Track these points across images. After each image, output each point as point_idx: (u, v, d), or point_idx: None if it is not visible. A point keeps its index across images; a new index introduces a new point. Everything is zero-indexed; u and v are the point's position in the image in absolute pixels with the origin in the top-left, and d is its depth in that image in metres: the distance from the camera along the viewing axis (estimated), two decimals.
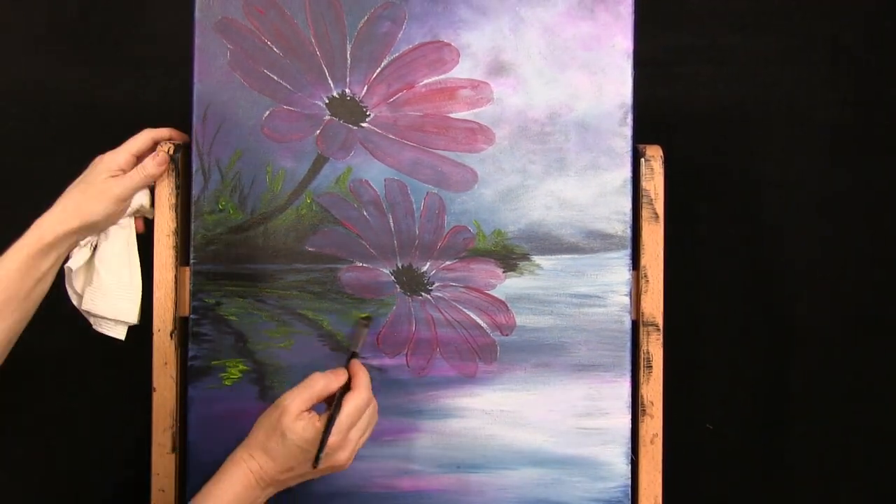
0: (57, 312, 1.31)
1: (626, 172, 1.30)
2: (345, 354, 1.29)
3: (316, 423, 1.14)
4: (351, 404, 1.16)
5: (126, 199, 1.28)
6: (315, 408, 1.17)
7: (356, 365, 1.20)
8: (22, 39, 1.53)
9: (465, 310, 1.32)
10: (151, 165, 1.27)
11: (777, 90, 1.56)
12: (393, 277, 1.31)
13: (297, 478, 1.17)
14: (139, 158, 1.29)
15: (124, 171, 1.27)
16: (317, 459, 1.13)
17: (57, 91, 1.53)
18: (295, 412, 1.14)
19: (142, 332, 1.33)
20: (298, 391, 1.16)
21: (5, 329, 1.21)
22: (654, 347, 1.30)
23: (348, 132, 1.30)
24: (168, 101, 1.49)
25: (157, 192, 1.30)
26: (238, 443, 1.20)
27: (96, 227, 1.27)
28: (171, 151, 1.29)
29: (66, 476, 1.55)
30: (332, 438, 1.14)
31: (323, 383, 1.16)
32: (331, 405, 1.16)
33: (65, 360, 1.50)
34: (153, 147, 1.29)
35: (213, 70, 1.29)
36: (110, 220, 1.28)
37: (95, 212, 1.25)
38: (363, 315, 1.27)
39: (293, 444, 1.14)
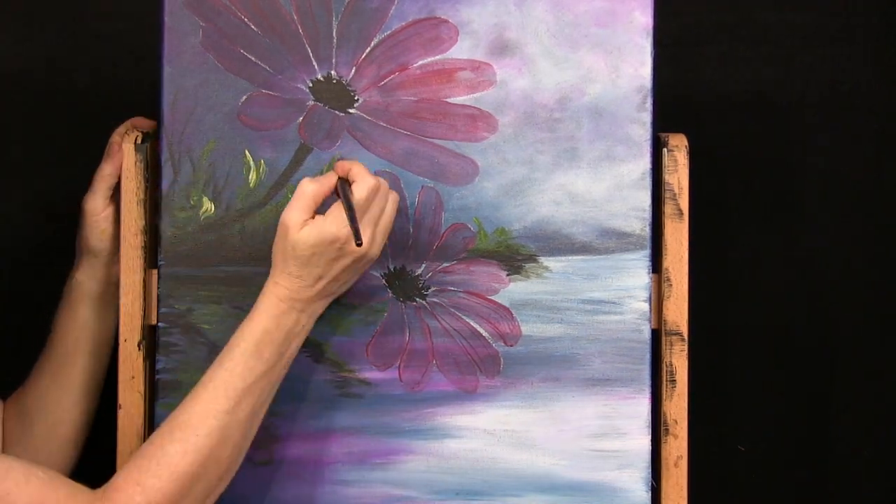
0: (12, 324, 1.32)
1: (646, 164, 1.28)
2: (331, 367, 1.28)
3: (320, 222, 1.18)
4: (356, 192, 1.19)
5: (101, 209, 1.29)
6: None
7: (345, 162, 1.23)
8: None
9: (464, 317, 1.29)
10: (106, 165, 1.29)
11: (817, 72, 1.55)
12: (384, 281, 1.28)
13: (332, 283, 1.21)
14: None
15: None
16: (357, 238, 1.16)
17: (10, 74, 1.52)
18: (297, 224, 1.18)
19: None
20: (293, 204, 1.19)
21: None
22: (678, 359, 1.28)
23: (334, 119, 1.28)
24: (134, 85, 1.48)
25: (122, 185, 1.28)
26: None
27: (95, 250, 1.31)
28: (139, 140, 1.27)
29: None
30: (340, 231, 1.17)
31: (313, 186, 1.19)
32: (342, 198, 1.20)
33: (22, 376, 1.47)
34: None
35: (183, 50, 1.28)
36: (101, 233, 1.30)
37: (87, 242, 1.30)
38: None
39: (307, 253, 1.18)
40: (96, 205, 1.28)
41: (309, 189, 1.19)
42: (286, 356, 1.20)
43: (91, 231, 1.28)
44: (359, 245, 1.15)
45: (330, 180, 1.20)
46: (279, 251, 1.19)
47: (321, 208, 1.19)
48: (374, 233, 1.20)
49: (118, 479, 1.12)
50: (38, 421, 1.29)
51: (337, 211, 1.17)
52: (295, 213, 1.18)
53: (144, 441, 1.22)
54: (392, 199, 1.22)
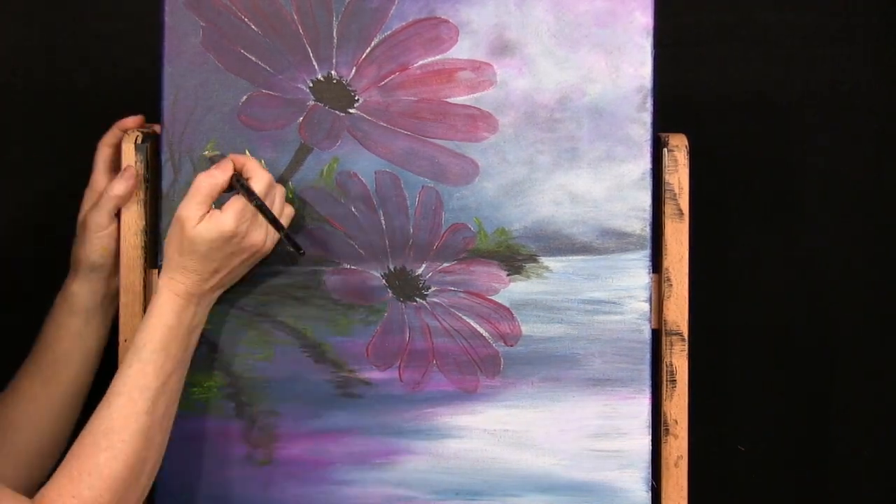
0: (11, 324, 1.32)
1: (646, 164, 1.27)
2: (331, 367, 1.28)
3: (217, 218, 1.19)
4: (256, 188, 1.20)
5: (105, 226, 1.28)
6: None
7: (240, 156, 1.23)
8: None
9: (464, 317, 1.28)
10: (119, 186, 1.27)
11: (817, 72, 1.54)
12: (384, 281, 1.28)
13: (228, 275, 1.23)
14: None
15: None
16: (294, 244, 1.23)
17: (11, 73, 1.51)
18: (194, 218, 1.18)
19: (108, 342, 1.33)
20: (188, 198, 1.19)
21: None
22: (679, 359, 1.28)
23: (335, 119, 1.27)
24: (134, 85, 1.47)
25: None
26: (213, 470, 1.25)
27: (94, 265, 1.29)
28: (139, 140, 1.27)
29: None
30: (239, 227, 1.19)
31: (208, 181, 1.19)
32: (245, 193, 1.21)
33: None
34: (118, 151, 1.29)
35: (183, 50, 1.27)
36: (103, 249, 1.29)
37: (87, 256, 1.29)
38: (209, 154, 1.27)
39: (205, 248, 1.19)
40: (101, 221, 1.27)
41: (205, 183, 1.18)
42: (189, 349, 1.21)
43: (92, 246, 1.27)
44: (302, 255, 1.21)
45: (225, 174, 1.20)
46: (174, 245, 1.19)
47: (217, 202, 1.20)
48: (268, 227, 1.21)
49: (51, 493, 1.11)
50: (21, 430, 1.27)
51: (235, 205, 1.18)
52: (191, 208, 1.18)
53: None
54: (280, 191, 1.23)
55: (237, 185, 1.19)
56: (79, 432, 1.17)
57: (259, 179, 1.20)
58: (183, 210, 1.18)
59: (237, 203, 1.18)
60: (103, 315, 1.30)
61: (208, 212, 1.18)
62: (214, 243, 1.18)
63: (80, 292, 1.28)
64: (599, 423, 1.27)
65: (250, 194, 1.19)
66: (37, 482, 1.27)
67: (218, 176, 1.19)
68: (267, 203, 1.20)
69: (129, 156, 1.27)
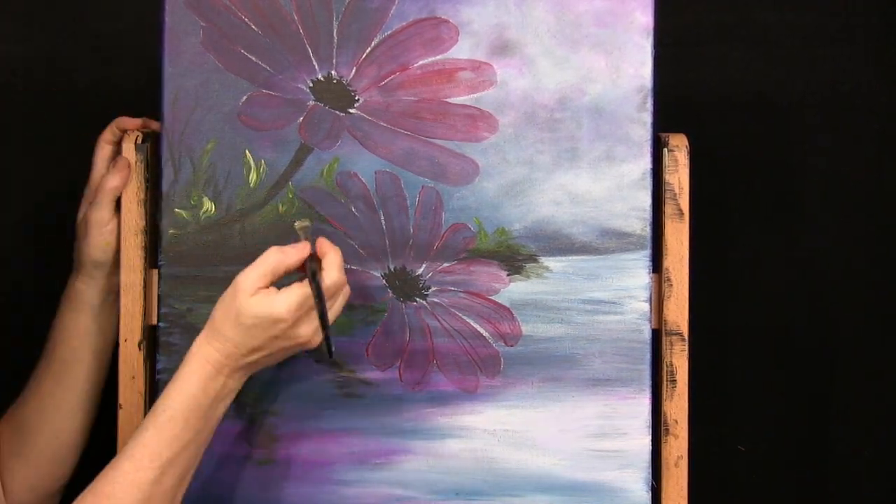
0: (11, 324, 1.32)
1: (646, 164, 1.27)
2: (331, 367, 1.28)
3: (273, 297, 1.14)
4: (325, 279, 1.17)
5: (106, 222, 1.28)
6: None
7: (325, 243, 1.19)
8: None
9: (464, 317, 1.28)
10: (113, 177, 1.27)
11: (817, 72, 1.54)
12: (384, 281, 1.28)
13: (266, 358, 1.18)
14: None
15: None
16: (329, 349, 1.18)
17: (11, 73, 1.51)
18: (249, 290, 1.14)
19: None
20: (252, 267, 1.16)
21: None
22: (679, 359, 1.28)
23: (335, 119, 1.27)
24: (134, 85, 1.48)
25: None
26: (211, 468, 1.25)
27: (98, 262, 1.29)
28: (139, 140, 1.27)
29: None
30: (290, 315, 1.14)
31: (279, 257, 1.16)
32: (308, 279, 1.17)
33: (22, 374, 1.45)
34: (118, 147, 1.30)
35: (184, 50, 1.27)
36: (106, 245, 1.29)
37: (89, 253, 1.28)
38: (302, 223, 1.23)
39: (250, 323, 1.14)
40: (102, 217, 1.26)
41: (273, 259, 1.15)
42: (213, 420, 1.17)
43: (95, 243, 1.27)
44: (331, 357, 1.17)
45: (300, 254, 1.17)
46: (222, 309, 1.16)
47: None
48: (318, 325, 1.17)
49: None
50: (38, 431, 1.28)
51: (296, 292, 1.14)
52: (251, 278, 1.15)
53: None
54: (344, 294, 1.19)
55: (309, 273, 1.15)
56: (97, 422, 1.17)
57: (330, 276, 1.16)
58: (242, 277, 1.15)
59: (299, 291, 1.14)
60: (110, 311, 1.29)
61: (267, 287, 1.15)
62: (261, 321, 1.14)
63: (85, 290, 1.28)
64: (599, 423, 1.27)
65: (317, 290, 1.15)
66: (56, 483, 1.28)
67: (291, 256, 1.16)
68: (329, 303, 1.16)
69: (130, 156, 1.27)
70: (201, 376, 1.15)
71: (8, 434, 1.28)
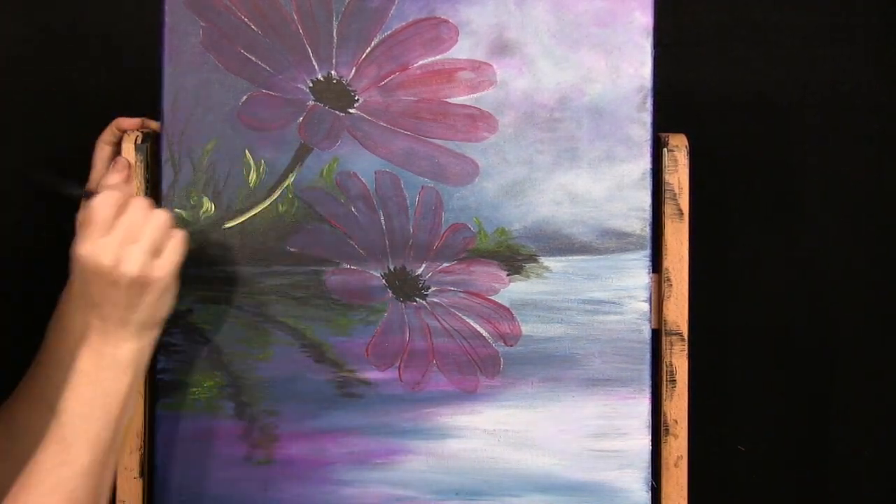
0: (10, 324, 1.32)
1: (646, 164, 1.27)
2: (331, 367, 1.28)
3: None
4: (89, 212, 1.15)
5: None
6: None
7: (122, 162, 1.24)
8: None
9: (464, 317, 1.28)
10: (112, 178, 1.26)
11: (817, 72, 1.53)
12: (384, 281, 1.28)
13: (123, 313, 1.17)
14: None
15: None
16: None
17: (8, 73, 1.51)
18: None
19: None
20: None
21: None
22: (678, 359, 1.27)
23: (334, 119, 1.27)
24: (134, 85, 1.46)
25: None
26: (213, 470, 1.26)
27: None
28: (139, 140, 1.27)
29: None
30: (98, 257, 1.13)
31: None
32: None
33: (20, 375, 1.46)
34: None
35: (183, 50, 1.27)
36: None
37: None
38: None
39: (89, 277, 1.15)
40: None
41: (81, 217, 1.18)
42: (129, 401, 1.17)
43: None
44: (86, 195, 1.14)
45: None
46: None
47: None
48: (121, 249, 1.15)
49: None
50: (33, 432, 1.26)
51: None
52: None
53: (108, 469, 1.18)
54: (136, 205, 1.16)
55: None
56: None
57: (97, 200, 1.15)
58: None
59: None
60: None
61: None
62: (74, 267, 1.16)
63: None
64: (599, 423, 1.27)
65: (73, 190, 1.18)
66: None
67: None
68: (121, 222, 1.15)
69: (129, 156, 1.26)
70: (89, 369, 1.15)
71: None
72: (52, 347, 1.29)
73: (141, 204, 1.17)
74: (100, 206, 1.14)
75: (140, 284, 1.15)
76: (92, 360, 1.15)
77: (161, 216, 1.17)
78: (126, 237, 1.15)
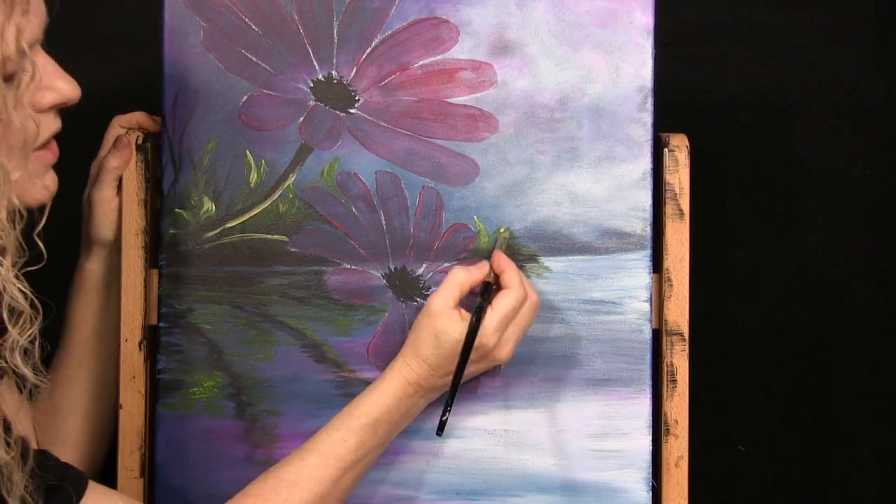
0: None
1: (646, 164, 1.27)
2: (332, 367, 1.28)
3: (460, 318, 1.19)
4: (504, 303, 1.19)
5: (110, 200, 1.28)
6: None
7: (503, 260, 1.22)
8: None
9: None
10: (113, 158, 1.27)
11: (818, 71, 1.54)
12: (385, 281, 1.28)
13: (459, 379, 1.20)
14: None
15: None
16: (464, 356, 1.17)
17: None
18: (438, 311, 1.19)
19: None
20: (440, 288, 1.20)
21: None
22: (679, 359, 1.27)
23: (335, 119, 1.27)
24: (135, 85, 1.48)
25: (124, 186, 1.28)
26: (212, 467, 1.26)
27: (105, 240, 1.29)
28: (140, 140, 1.27)
29: None
30: (488, 339, 1.18)
31: (464, 275, 1.20)
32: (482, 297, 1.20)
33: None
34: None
35: (184, 50, 1.27)
36: (111, 223, 1.29)
37: (97, 232, 1.29)
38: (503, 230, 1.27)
39: (448, 347, 1.18)
40: (105, 195, 1.26)
41: (458, 278, 1.19)
42: (395, 434, 1.21)
43: (101, 221, 1.27)
44: (438, 434, 1.16)
45: (481, 270, 1.21)
46: (415, 332, 1.20)
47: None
48: (516, 340, 1.21)
49: None
50: (69, 414, 1.28)
51: (490, 318, 1.18)
52: (442, 300, 1.18)
53: (249, 483, 1.19)
54: (531, 304, 1.21)
55: (481, 287, 1.20)
56: None
57: (507, 295, 1.19)
58: (434, 300, 1.19)
59: (497, 312, 1.18)
60: (120, 290, 1.29)
61: (456, 308, 1.19)
62: (454, 343, 1.17)
63: (96, 269, 1.28)
64: (599, 423, 1.27)
65: (482, 295, 1.18)
66: (90, 464, 1.29)
67: (473, 273, 1.20)
68: (520, 319, 1.20)
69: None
70: (398, 392, 1.19)
71: (45, 422, 1.28)
72: (75, 331, 1.29)
73: (534, 304, 1.21)
74: (508, 302, 1.19)
75: (491, 366, 1.23)
76: (399, 404, 1.19)
77: (533, 304, 1.22)
78: (515, 333, 1.21)
